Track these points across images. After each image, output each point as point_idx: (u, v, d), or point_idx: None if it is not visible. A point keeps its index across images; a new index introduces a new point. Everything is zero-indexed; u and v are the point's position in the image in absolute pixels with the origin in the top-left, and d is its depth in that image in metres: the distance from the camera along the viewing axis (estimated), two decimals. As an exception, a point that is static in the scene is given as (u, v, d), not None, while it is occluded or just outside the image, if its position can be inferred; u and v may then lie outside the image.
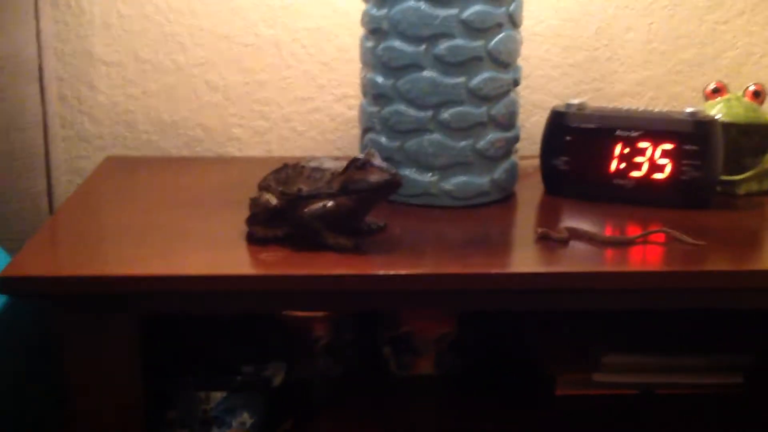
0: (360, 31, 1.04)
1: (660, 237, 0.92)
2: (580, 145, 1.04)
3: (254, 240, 0.87)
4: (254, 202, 0.89)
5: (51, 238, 0.93)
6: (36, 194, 1.10)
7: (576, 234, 0.90)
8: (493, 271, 0.84)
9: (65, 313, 0.81)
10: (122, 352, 0.81)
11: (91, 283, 0.79)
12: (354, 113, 1.15)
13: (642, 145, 1.01)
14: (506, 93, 1.01)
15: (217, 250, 0.86)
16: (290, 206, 0.86)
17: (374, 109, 1.02)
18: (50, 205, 1.12)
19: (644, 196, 1.02)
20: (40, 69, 1.11)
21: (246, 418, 0.92)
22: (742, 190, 1.08)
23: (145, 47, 1.23)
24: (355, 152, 1.05)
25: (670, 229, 0.91)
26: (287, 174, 0.88)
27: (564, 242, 0.89)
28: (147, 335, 0.83)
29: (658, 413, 1.02)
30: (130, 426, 0.83)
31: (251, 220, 0.88)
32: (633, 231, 0.95)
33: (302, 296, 0.83)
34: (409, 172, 0.99)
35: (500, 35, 0.98)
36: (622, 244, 0.90)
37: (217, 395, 0.92)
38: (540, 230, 0.90)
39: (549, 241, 0.89)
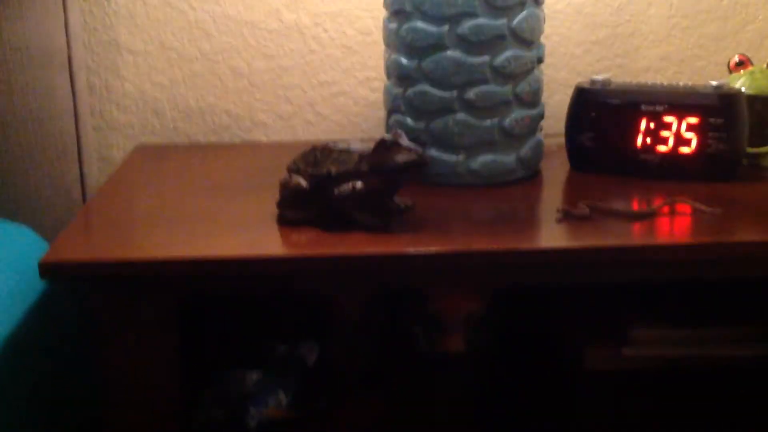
0: (382, 12, 1.05)
1: (686, 209, 0.92)
2: (605, 120, 1.04)
3: (285, 222, 0.89)
4: (284, 185, 0.90)
5: (86, 226, 0.95)
6: (69, 183, 1.11)
7: (597, 209, 0.91)
8: (521, 246, 0.85)
9: (102, 296, 0.83)
10: (158, 333, 0.83)
11: (126, 266, 0.81)
12: (378, 96, 1.16)
13: (667, 119, 1.02)
14: (530, 70, 1.02)
15: (249, 233, 0.88)
16: (320, 188, 0.87)
17: (399, 90, 1.03)
18: (83, 193, 1.14)
19: (671, 171, 1.02)
20: (69, 59, 1.12)
21: (282, 396, 0.94)
22: (767, 162, 1.08)
23: (170, 35, 1.24)
24: (381, 134, 1.06)
25: (684, 199, 0.92)
26: (316, 156, 0.89)
27: (585, 218, 0.89)
28: (182, 317, 0.84)
29: (688, 387, 1.03)
30: (168, 406, 0.85)
31: (282, 203, 0.90)
32: (658, 204, 0.95)
33: (334, 276, 0.85)
34: (435, 153, 1.00)
35: (523, 13, 0.98)
36: (643, 216, 0.91)
37: (253, 374, 0.94)
38: (561, 209, 0.90)
39: (571, 218, 0.90)
